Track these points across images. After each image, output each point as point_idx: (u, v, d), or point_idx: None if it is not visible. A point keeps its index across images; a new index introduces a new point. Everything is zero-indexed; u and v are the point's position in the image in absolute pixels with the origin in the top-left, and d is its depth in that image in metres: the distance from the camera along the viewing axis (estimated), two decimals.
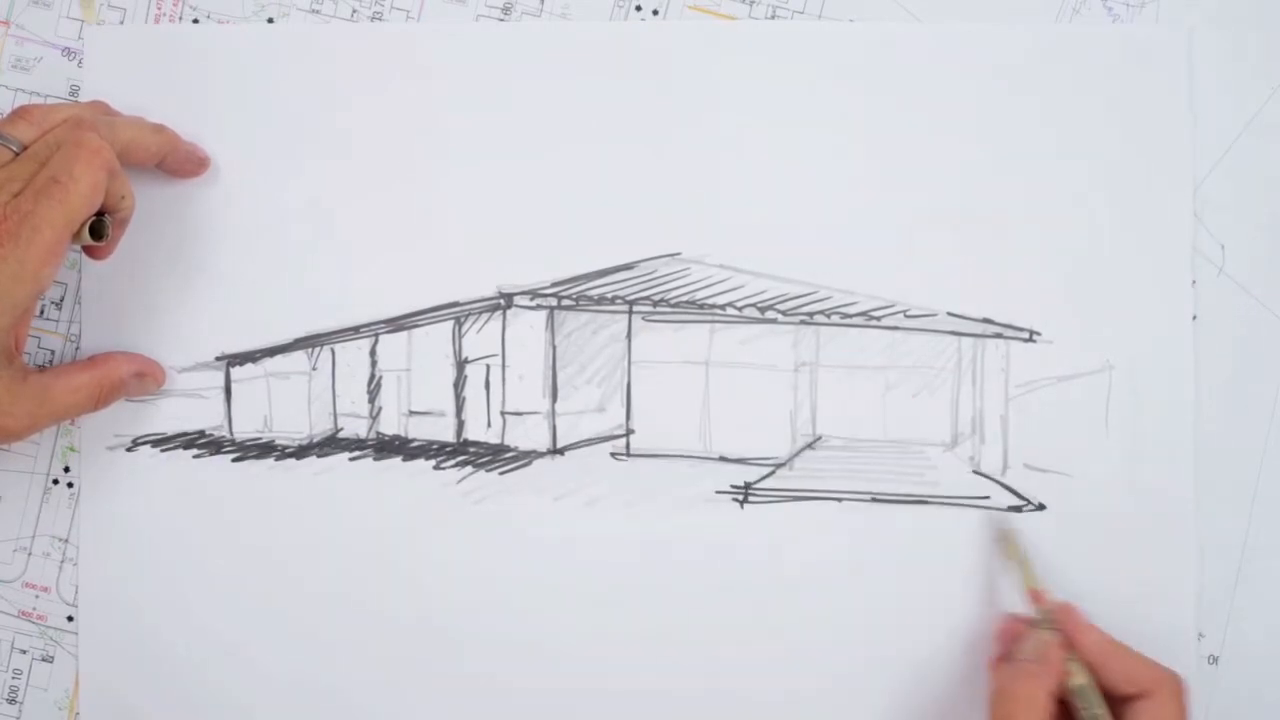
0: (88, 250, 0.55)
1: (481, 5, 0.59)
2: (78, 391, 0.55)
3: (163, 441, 0.58)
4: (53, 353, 0.59)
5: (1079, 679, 0.52)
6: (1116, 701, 0.52)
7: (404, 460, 0.58)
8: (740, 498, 0.58)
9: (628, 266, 0.58)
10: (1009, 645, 0.55)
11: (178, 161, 0.57)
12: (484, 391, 0.59)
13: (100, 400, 0.55)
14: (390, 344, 0.59)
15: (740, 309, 0.58)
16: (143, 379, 0.57)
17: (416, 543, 0.58)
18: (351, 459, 0.59)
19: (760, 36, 0.58)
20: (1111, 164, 0.58)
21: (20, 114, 0.53)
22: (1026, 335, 0.58)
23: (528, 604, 0.58)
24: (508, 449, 0.58)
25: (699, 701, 0.57)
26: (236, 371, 0.59)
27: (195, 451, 0.58)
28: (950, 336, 0.58)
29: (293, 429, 0.59)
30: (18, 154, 0.52)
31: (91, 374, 0.55)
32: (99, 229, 0.53)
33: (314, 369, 0.59)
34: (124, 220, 0.55)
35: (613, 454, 0.58)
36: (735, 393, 0.58)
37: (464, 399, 0.59)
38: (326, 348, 0.59)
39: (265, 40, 0.59)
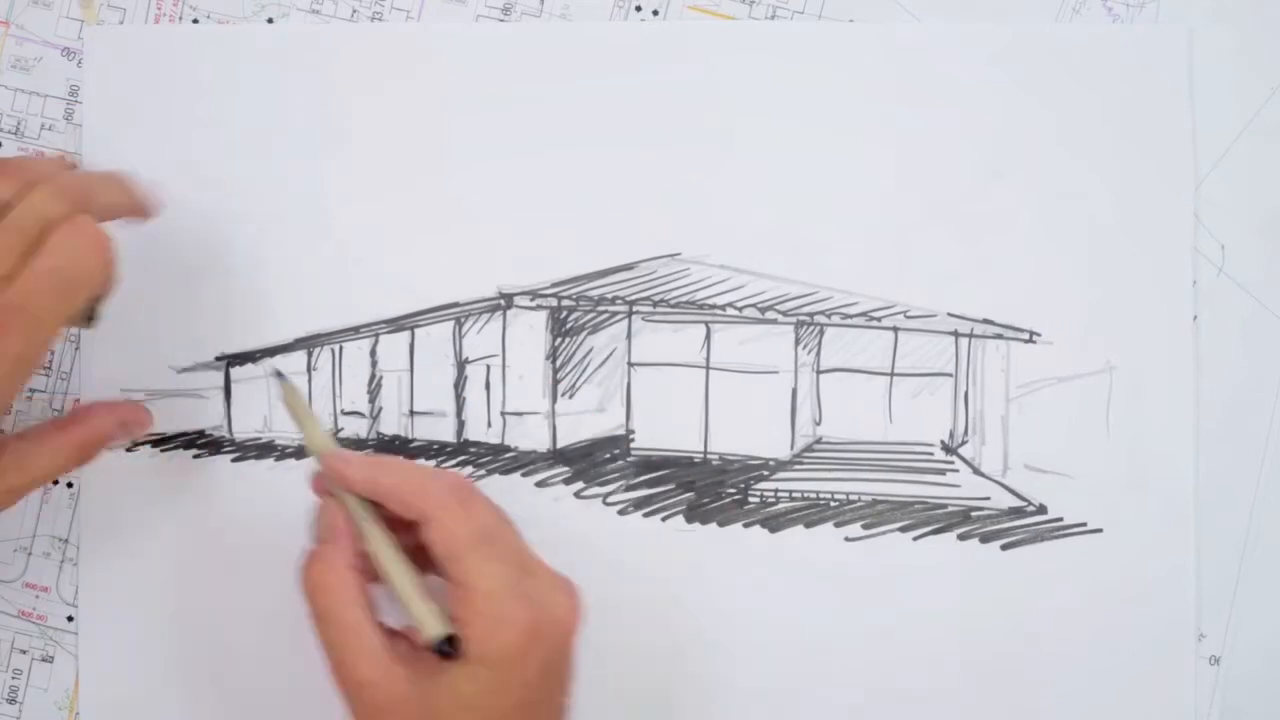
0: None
1: (481, 5, 0.59)
2: (58, 454, 0.53)
3: (162, 441, 0.58)
4: (53, 353, 0.59)
5: (371, 542, 0.48)
6: (417, 528, 0.48)
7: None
8: (740, 498, 0.58)
9: (628, 267, 0.58)
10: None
11: (138, 215, 0.53)
12: (484, 392, 0.59)
13: (83, 459, 0.54)
14: (390, 344, 0.59)
15: (740, 309, 0.58)
16: (127, 427, 0.56)
17: None
18: None
19: (760, 36, 0.58)
20: (1112, 164, 0.58)
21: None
22: (1027, 336, 0.58)
23: None
24: (508, 449, 0.58)
25: (699, 701, 0.57)
26: (236, 371, 0.59)
27: (195, 451, 0.58)
28: (950, 337, 0.58)
29: (293, 429, 0.59)
30: None
31: (70, 434, 0.54)
32: (92, 315, 0.51)
33: (314, 369, 0.59)
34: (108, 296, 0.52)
35: (613, 455, 0.58)
36: (735, 393, 0.58)
37: (464, 399, 0.59)
38: (326, 348, 0.59)
39: (265, 40, 0.59)
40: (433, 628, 0.47)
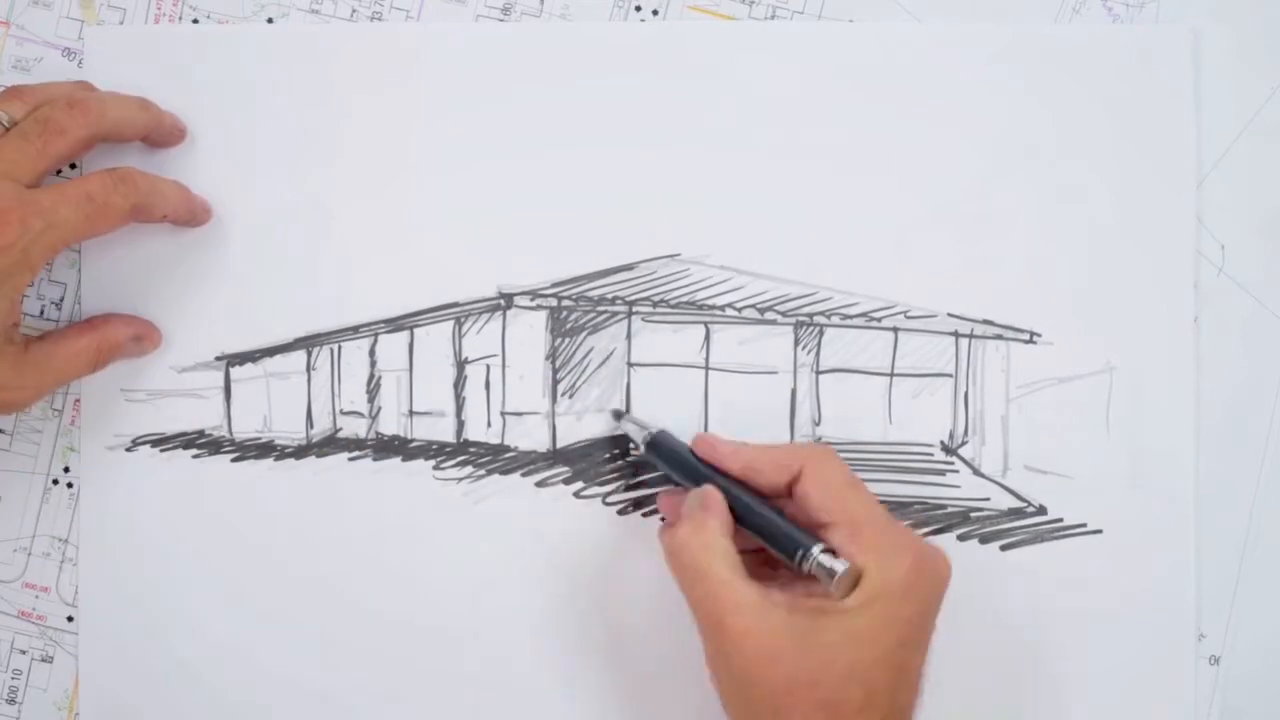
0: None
1: (481, 5, 0.59)
2: (78, 356, 0.55)
3: (162, 441, 0.58)
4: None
5: (749, 504, 0.52)
6: (783, 496, 0.52)
7: (403, 461, 0.58)
8: None
9: (628, 267, 0.58)
10: (674, 515, 0.54)
11: (161, 135, 0.57)
12: (484, 392, 0.59)
13: (99, 363, 0.56)
14: (390, 344, 0.59)
15: (740, 310, 0.58)
16: (140, 341, 0.57)
17: (416, 543, 0.58)
18: (351, 459, 0.59)
19: (760, 36, 0.58)
20: (1112, 164, 0.58)
21: (13, 94, 0.53)
22: (1027, 336, 0.58)
23: (527, 604, 0.57)
24: (508, 449, 0.58)
25: (698, 699, 0.57)
26: (236, 371, 0.59)
27: (195, 451, 0.58)
28: (950, 337, 0.58)
29: (292, 429, 0.59)
30: (7, 129, 0.52)
31: (90, 337, 0.55)
32: None
33: (313, 369, 0.59)
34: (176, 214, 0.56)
35: (612, 455, 0.58)
36: (735, 394, 0.58)
37: (464, 399, 0.59)
38: (326, 348, 0.59)
39: (265, 40, 0.58)
40: (832, 562, 0.49)
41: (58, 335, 0.55)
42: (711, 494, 0.52)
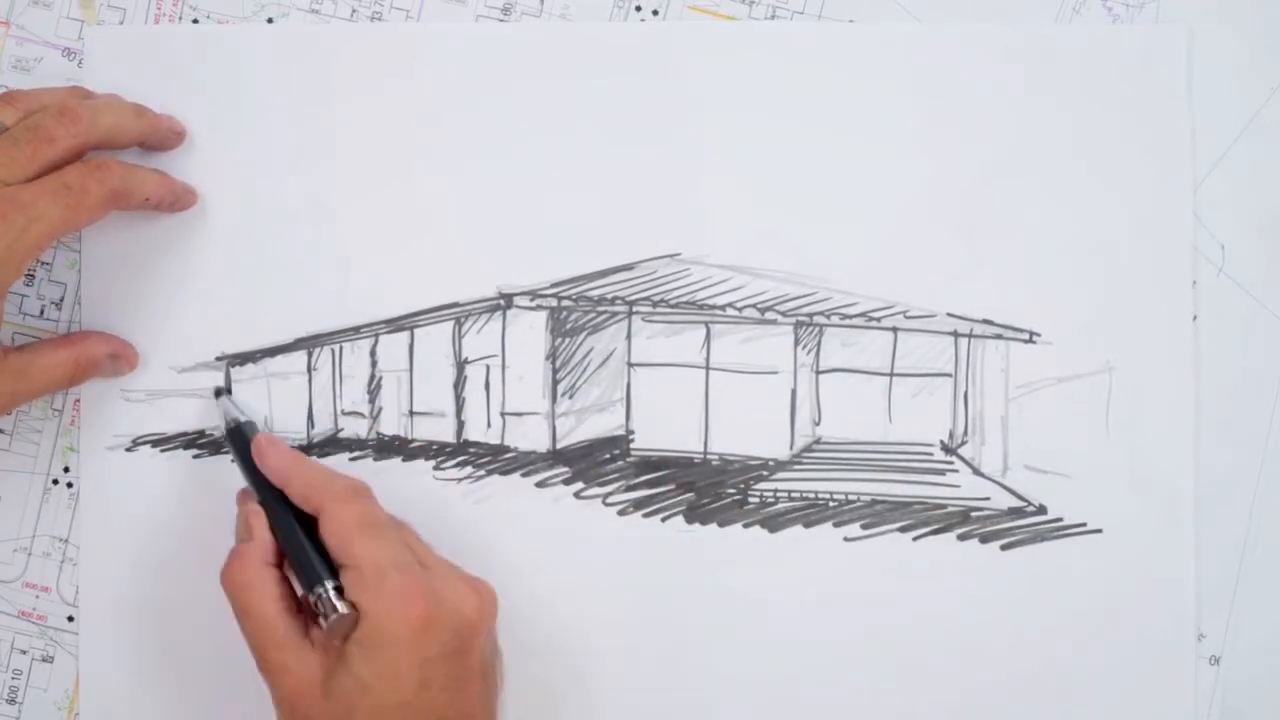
0: None
1: (481, 5, 0.59)
2: (56, 368, 0.55)
3: (162, 441, 0.58)
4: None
5: (277, 518, 0.52)
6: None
7: (404, 461, 0.58)
8: (739, 499, 0.58)
9: (628, 267, 0.58)
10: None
11: (158, 140, 0.57)
12: (484, 392, 0.59)
13: (75, 378, 0.56)
14: (390, 344, 0.59)
15: (740, 310, 0.58)
16: (116, 360, 0.57)
17: None
18: (352, 459, 0.59)
19: (760, 37, 0.58)
20: (1111, 164, 0.58)
21: (6, 99, 0.53)
22: (1026, 336, 0.58)
23: (527, 605, 0.57)
24: (508, 450, 0.58)
25: (698, 700, 0.57)
26: (236, 372, 0.59)
27: (195, 451, 0.58)
28: (950, 337, 0.58)
29: (293, 429, 0.59)
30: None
31: (68, 351, 0.56)
32: None
33: (314, 369, 0.59)
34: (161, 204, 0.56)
35: (612, 455, 0.58)
36: (735, 394, 0.58)
37: (464, 399, 0.59)
38: (326, 348, 0.59)
39: (265, 40, 0.59)
40: (335, 602, 0.49)
41: (37, 347, 0.56)
42: (254, 514, 0.52)
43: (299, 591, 0.51)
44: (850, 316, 0.58)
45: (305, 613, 0.50)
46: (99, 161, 0.53)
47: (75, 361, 0.56)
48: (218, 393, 0.57)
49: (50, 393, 0.57)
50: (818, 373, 0.58)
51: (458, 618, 0.49)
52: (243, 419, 0.55)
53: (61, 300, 0.59)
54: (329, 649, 0.49)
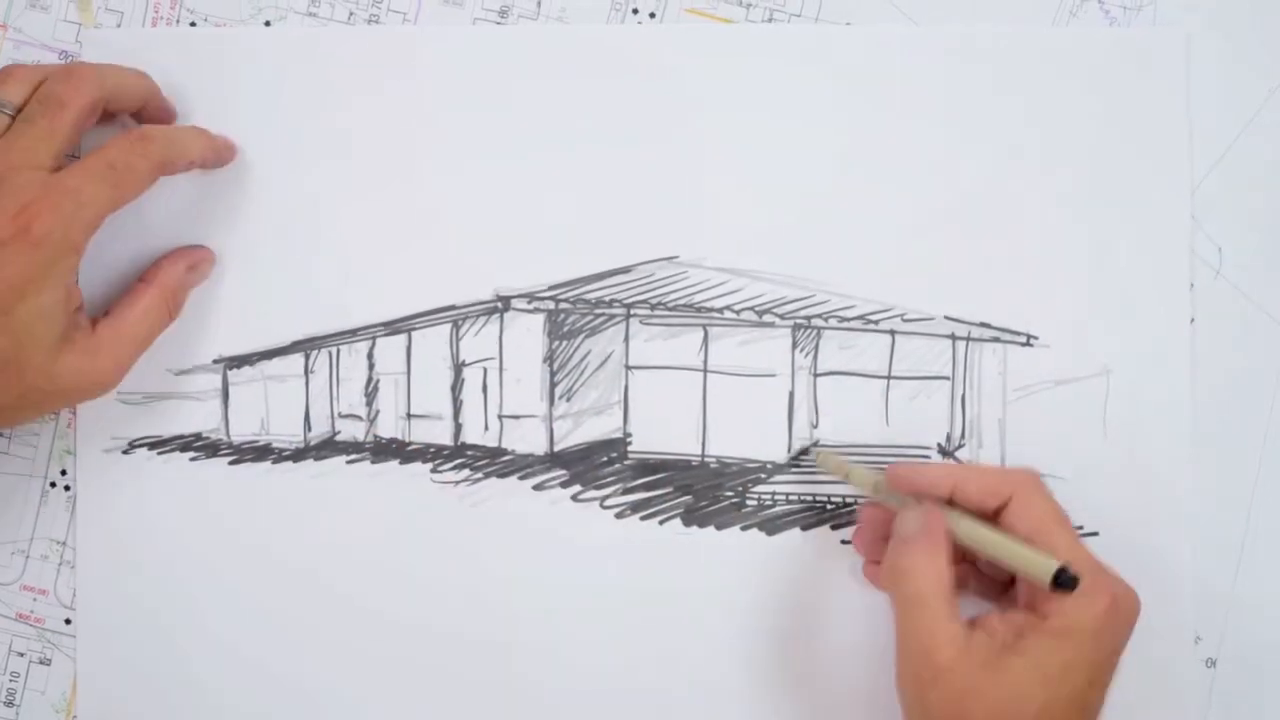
0: None
1: (478, 8, 0.59)
2: (148, 314, 0.55)
3: (160, 444, 0.58)
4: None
5: (962, 526, 0.51)
6: (991, 519, 0.52)
7: (401, 463, 0.58)
8: (737, 501, 0.58)
9: (625, 270, 0.58)
10: (875, 537, 0.55)
11: (156, 109, 0.57)
12: (481, 395, 0.59)
13: (173, 311, 0.56)
14: (387, 347, 0.59)
15: (738, 312, 0.58)
16: (195, 268, 0.57)
17: (414, 546, 0.58)
18: (349, 462, 0.59)
19: (757, 39, 0.58)
20: (1108, 167, 0.58)
21: (6, 75, 0.53)
22: (1024, 339, 0.58)
23: (526, 607, 0.58)
24: (505, 452, 0.58)
25: (697, 701, 0.57)
26: (234, 374, 0.59)
27: (192, 454, 0.58)
28: (947, 340, 0.58)
29: (290, 432, 0.59)
30: (12, 117, 0.52)
31: (152, 290, 0.56)
32: None
33: (311, 372, 0.59)
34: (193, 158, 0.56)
35: (610, 458, 0.58)
36: (732, 396, 0.58)
37: (461, 402, 0.59)
38: (324, 351, 0.59)
39: (262, 43, 0.58)
40: (1048, 565, 0.49)
41: (119, 303, 0.55)
42: (934, 515, 0.52)
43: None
44: (848, 319, 0.58)
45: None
46: (140, 133, 0.53)
47: (163, 299, 0.56)
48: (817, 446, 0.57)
49: (155, 336, 0.56)
50: (815, 375, 0.58)
51: (1130, 615, 0.50)
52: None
53: None
54: (990, 650, 0.49)
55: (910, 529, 0.52)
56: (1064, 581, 0.49)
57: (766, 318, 0.58)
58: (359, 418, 0.59)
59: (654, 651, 0.57)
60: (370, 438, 0.59)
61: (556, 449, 0.58)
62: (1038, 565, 0.49)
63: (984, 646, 0.49)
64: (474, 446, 0.59)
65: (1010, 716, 0.48)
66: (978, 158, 0.58)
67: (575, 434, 0.58)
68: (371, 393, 0.59)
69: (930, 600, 0.50)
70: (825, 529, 0.58)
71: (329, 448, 0.59)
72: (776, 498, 0.58)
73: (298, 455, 0.59)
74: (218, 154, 0.57)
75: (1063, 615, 0.49)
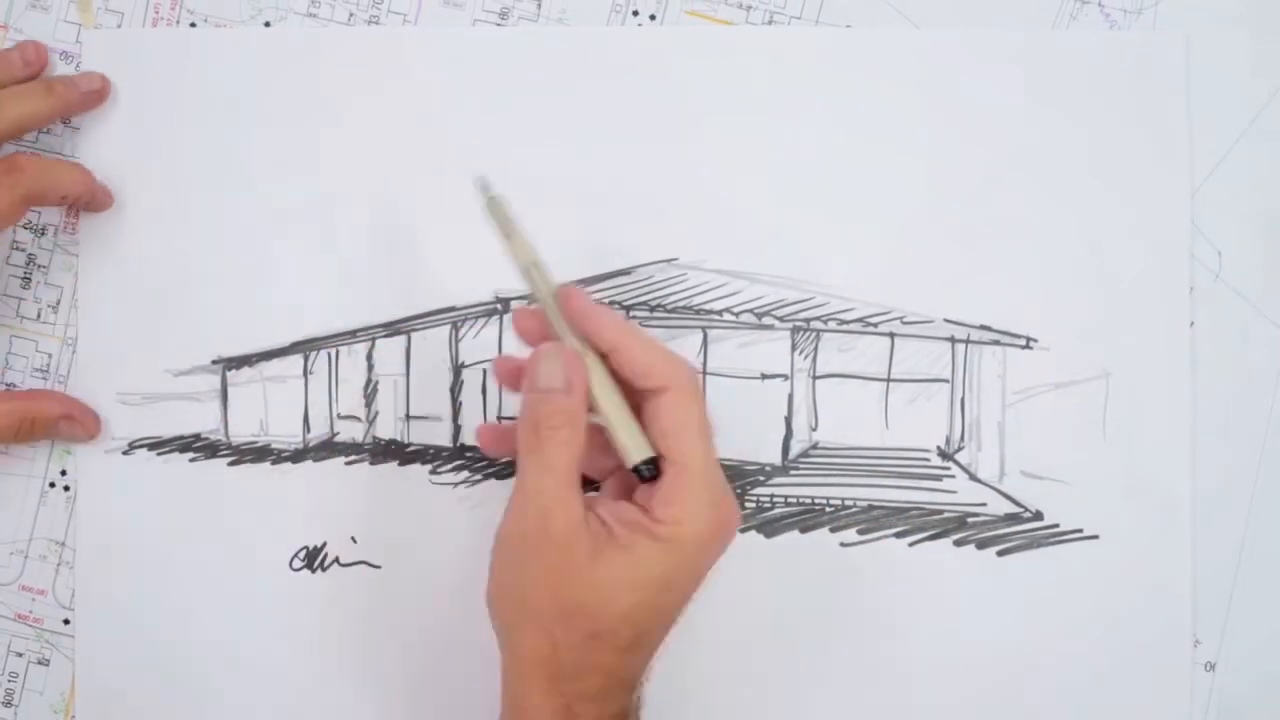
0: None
1: (479, 10, 0.59)
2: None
3: (159, 445, 0.58)
4: (50, 356, 0.59)
5: (595, 381, 0.48)
6: (636, 394, 0.49)
7: (400, 465, 0.58)
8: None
9: (625, 272, 0.58)
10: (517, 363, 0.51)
11: (79, 107, 0.57)
12: (481, 396, 0.59)
13: (21, 434, 0.56)
14: (387, 348, 0.59)
15: (737, 315, 0.58)
16: (71, 423, 0.57)
17: (413, 547, 0.58)
18: (348, 463, 0.59)
19: (757, 42, 0.58)
20: (1109, 170, 0.58)
21: None
22: (1024, 342, 0.58)
23: None
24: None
25: (695, 703, 0.57)
26: (233, 375, 0.59)
27: (192, 455, 0.58)
28: (947, 343, 0.58)
29: (289, 433, 0.59)
30: None
31: (14, 405, 0.56)
32: None
33: (310, 373, 0.59)
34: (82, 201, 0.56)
35: None
36: (731, 398, 0.58)
37: (461, 404, 0.59)
38: (323, 352, 0.59)
39: (262, 44, 0.59)
40: (643, 450, 0.48)
41: None
42: (578, 369, 0.48)
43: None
44: (847, 322, 0.58)
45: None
46: (9, 162, 0.53)
47: (21, 415, 0.56)
48: (488, 193, 0.51)
49: None
50: (815, 378, 0.58)
51: (730, 533, 0.49)
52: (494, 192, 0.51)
53: (58, 303, 0.59)
54: (600, 535, 0.47)
55: (553, 380, 0.48)
56: (644, 470, 0.48)
57: (766, 320, 0.58)
58: (358, 419, 0.59)
59: None
60: (369, 439, 0.59)
61: None
62: (635, 445, 0.48)
63: (594, 532, 0.47)
64: (473, 448, 0.59)
65: (597, 609, 0.46)
66: (977, 161, 0.58)
67: None
68: (370, 394, 0.59)
69: (560, 468, 0.47)
70: (824, 531, 0.58)
71: (328, 449, 0.59)
72: (775, 500, 0.58)
73: (297, 456, 0.58)
74: (93, 195, 0.57)
75: (676, 524, 0.47)
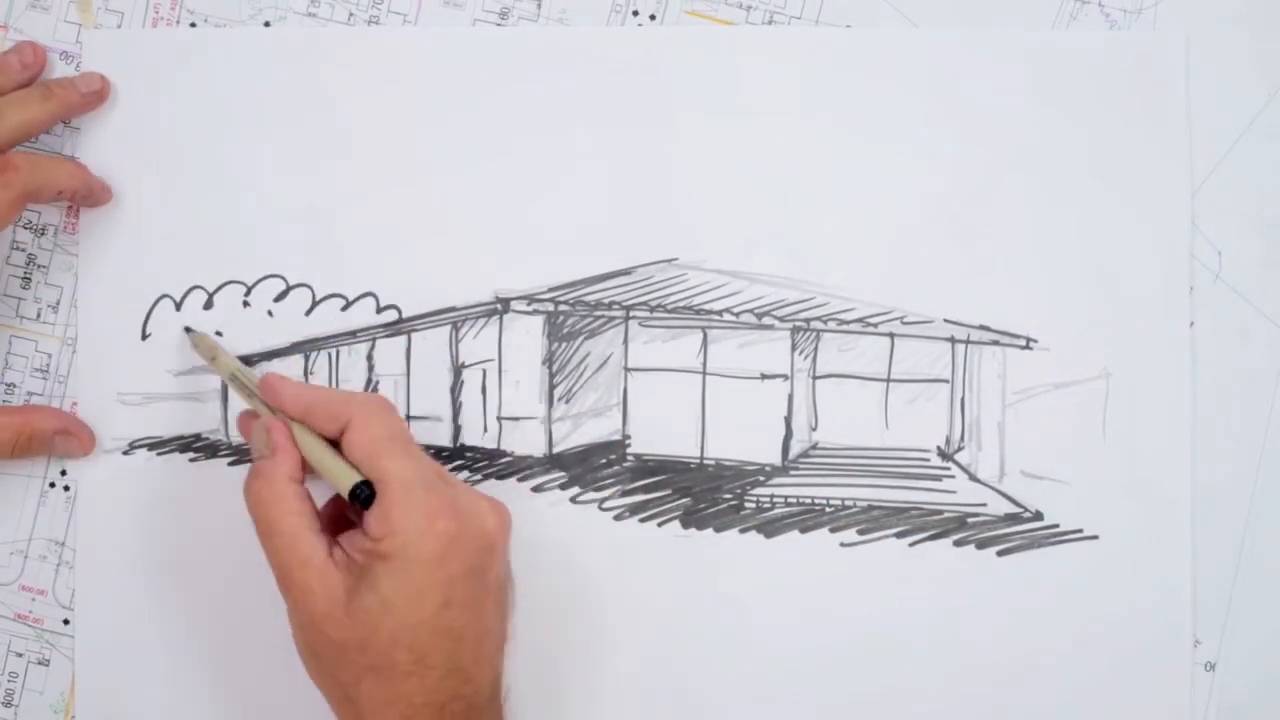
0: None
1: (479, 10, 0.59)
2: None
3: (159, 445, 0.58)
4: (50, 356, 0.59)
5: (304, 443, 0.51)
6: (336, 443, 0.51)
7: None
8: (736, 504, 0.58)
9: (625, 272, 0.58)
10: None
11: (79, 109, 0.57)
12: (480, 396, 0.59)
13: (18, 449, 0.56)
14: (387, 348, 0.59)
15: (737, 315, 0.58)
16: (66, 438, 0.57)
17: None
18: None
19: (757, 42, 0.58)
20: (1108, 170, 0.58)
21: None
22: (1023, 342, 0.58)
23: (523, 608, 0.57)
24: (504, 454, 0.58)
25: (694, 704, 0.57)
26: None
27: (192, 455, 0.58)
28: (947, 343, 0.58)
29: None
30: None
31: (10, 420, 0.56)
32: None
33: (311, 373, 0.59)
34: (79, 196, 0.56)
35: (609, 460, 0.58)
36: (731, 399, 0.58)
37: (460, 404, 0.59)
38: (323, 352, 0.59)
39: (262, 44, 0.59)
40: (349, 479, 0.49)
41: None
42: (276, 428, 0.51)
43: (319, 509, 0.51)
44: (847, 322, 0.58)
45: (327, 533, 0.50)
46: (2, 161, 0.53)
47: (16, 430, 0.55)
48: (188, 330, 0.57)
49: None
50: (815, 378, 0.58)
51: (481, 536, 0.49)
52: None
53: (58, 303, 0.59)
54: (351, 569, 0.48)
55: (258, 447, 0.51)
56: (359, 496, 0.48)
57: (766, 320, 0.58)
58: None
59: (651, 653, 0.57)
60: None
61: (555, 451, 0.58)
62: (342, 478, 0.49)
63: (347, 566, 0.48)
64: (473, 448, 0.59)
65: (363, 642, 0.47)
66: (977, 161, 0.58)
67: (574, 436, 0.58)
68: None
69: (277, 523, 0.49)
70: (824, 531, 0.58)
71: None
72: (775, 500, 0.58)
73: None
74: (90, 190, 0.57)
75: (391, 538, 0.47)
